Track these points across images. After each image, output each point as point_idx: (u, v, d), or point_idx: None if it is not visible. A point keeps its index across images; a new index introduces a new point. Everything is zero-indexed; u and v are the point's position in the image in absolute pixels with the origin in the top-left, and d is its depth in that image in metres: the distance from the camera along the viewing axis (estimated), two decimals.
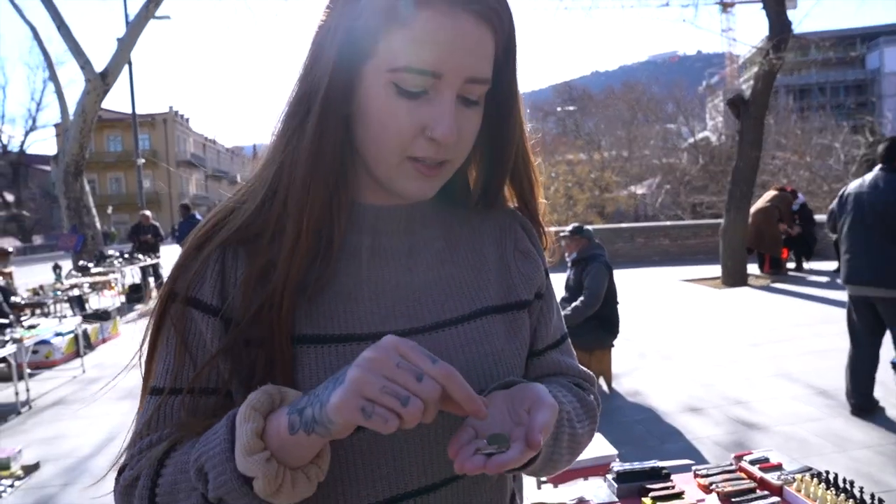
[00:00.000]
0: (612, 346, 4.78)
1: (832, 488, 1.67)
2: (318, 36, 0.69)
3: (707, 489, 1.79)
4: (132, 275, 11.79)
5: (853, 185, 4.02)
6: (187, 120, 53.49)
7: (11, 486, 3.66)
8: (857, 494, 1.62)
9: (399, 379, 0.54)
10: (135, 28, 12.39)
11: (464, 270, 0.79)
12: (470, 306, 0.77)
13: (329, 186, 0.69)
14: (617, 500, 1.77)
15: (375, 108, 0.66)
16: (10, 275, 8.98)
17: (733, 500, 1.71)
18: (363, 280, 0.73)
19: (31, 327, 5.68)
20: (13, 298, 7.49)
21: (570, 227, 4.78)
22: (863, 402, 4.03)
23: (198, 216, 11.48)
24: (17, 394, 5.13)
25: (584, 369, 0.87)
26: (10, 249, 9.75)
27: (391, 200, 0.75)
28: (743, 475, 1.85)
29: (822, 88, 47.53)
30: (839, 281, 4.15)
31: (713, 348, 5.96)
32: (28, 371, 5.40)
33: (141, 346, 0.72)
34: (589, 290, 4.48)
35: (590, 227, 4.90)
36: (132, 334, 8.20)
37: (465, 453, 0.57)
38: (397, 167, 0.68)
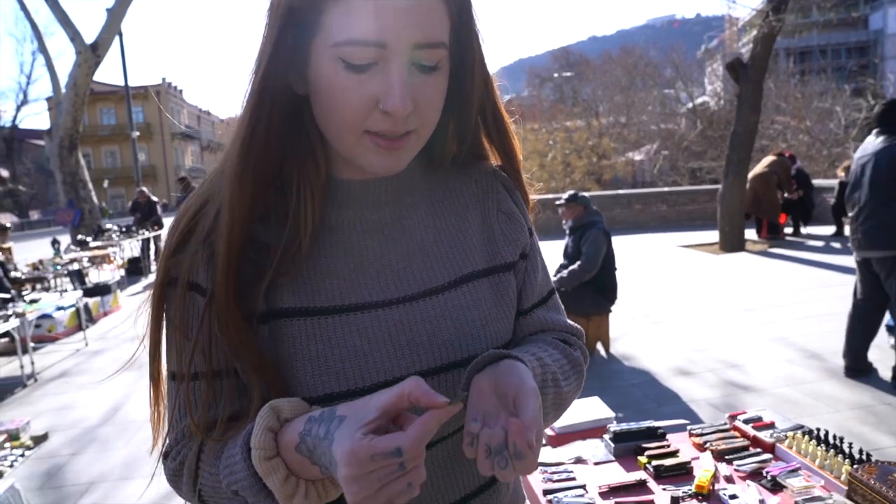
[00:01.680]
0: (610, 311, 4.83)
1: (822, 444, 1.71)
2: (268, 13, 0.66)
3: (701, 447, 1.84)
4: (131, 248, 11.79)
5: (858, 154, 3.97)
6: (181, 91, 52.78)
7: (22, 455, 3.74)
8: (847, 450, 1.67)
9: (387, 479, 0.55)
10: None
11: (448, 237, 0.79)
12: (456, 272, 0.77)
13: (266, 166, 0.68)
14: (614, 458, 1.82)
15: (326, 86, 0.64)
16: (9, 250, 8.99)
17: (727, 457, 1.76)
18: (347, 253, 0.74)
19: (33, 302, 5.72)
20: (13, 273, 7.52)
21: (566, 195, 4.78)
22: (856, 363, 4.09)
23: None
24: (22, 367, 5.20)
25: (572, 323, 0.87)
26: (8, 225, 9.74)
27: (368, 174, 0.74)
28: (736, 434, 1.90)
29: (824, 51, 46.81)
30: (847, 245, 4.12)
31: (710, 313, 6.01)
32: (32, 345, 5.46)
33: (145, 335, 0.73)
34: (586, 255, 4.50)
35: (586, 194, 4.89)
36: (133, 307, 8.26)
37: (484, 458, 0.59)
38: (357, 143, 0.67)
